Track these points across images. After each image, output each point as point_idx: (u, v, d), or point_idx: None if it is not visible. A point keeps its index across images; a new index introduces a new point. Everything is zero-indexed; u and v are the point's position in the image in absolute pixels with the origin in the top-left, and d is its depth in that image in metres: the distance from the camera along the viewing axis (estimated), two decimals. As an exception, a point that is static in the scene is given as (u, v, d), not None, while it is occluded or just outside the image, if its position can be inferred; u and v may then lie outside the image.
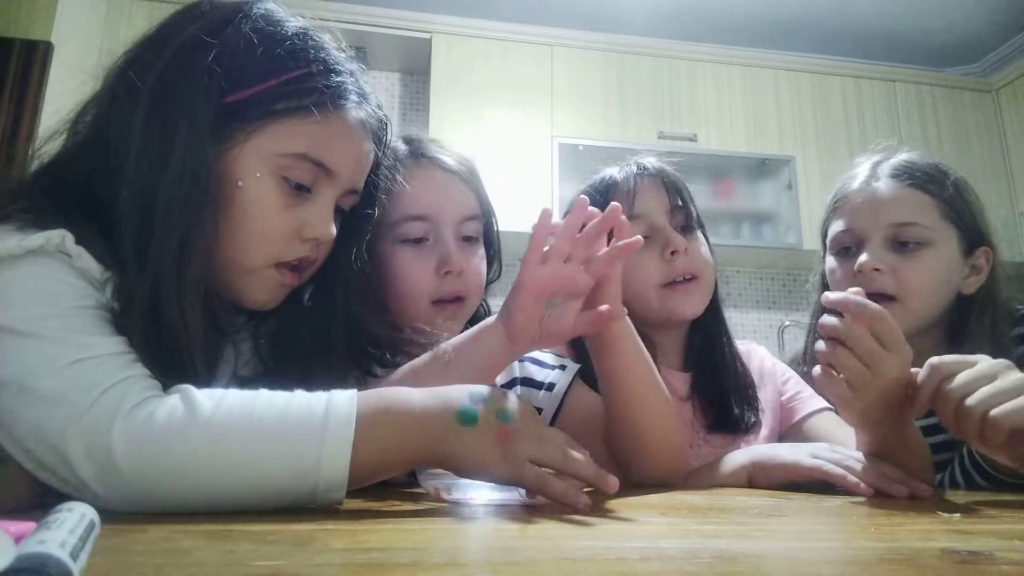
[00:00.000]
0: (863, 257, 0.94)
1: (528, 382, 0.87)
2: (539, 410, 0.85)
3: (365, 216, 0.73)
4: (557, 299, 0.68)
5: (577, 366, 0.87)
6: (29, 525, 0.29)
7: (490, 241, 0.91)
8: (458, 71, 2.86)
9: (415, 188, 0.82)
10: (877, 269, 0.93)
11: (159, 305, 0.55)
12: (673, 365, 0.98)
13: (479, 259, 0.87)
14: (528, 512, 0.50)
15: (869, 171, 1.00)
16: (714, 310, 1.00)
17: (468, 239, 0.86)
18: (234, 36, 0.61)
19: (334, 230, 0.67)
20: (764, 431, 0.98)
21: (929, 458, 0.75)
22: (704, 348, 0.98)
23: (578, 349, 0.93)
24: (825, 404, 0.97)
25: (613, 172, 0.99)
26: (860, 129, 3.12)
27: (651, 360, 0.75)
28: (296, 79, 0.62)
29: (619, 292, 0.71)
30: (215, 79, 0.59)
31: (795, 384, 1.03)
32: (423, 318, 0.80)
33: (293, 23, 0.65)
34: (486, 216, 0.89)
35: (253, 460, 0.47)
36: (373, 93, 0.70)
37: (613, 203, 0.68)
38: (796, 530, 0.47)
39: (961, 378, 0.64)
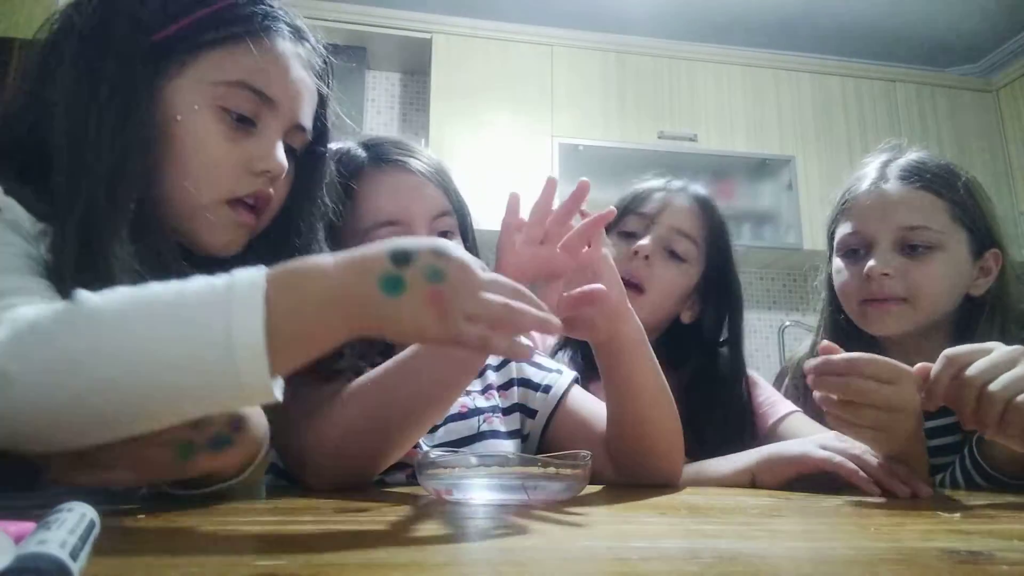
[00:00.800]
0: (872, 261, 0.93)
1: (524, 383, 0.88)
2: (534, 412, 0.85)
3: (319, 155, 0.73)
4: (538, 283, 0.67)
5: (574, 374, 0.88)
6: (29, 525, 0.29)
7: (465, 236, 0.90)
8: (458, 71, 2.86)
9: (381, 194, 0.81)
10: (886, 274, 0.92)
11: (89, 249, 0.54)
12: None
13: None
14: (528, 512, 0.50)
15: (878, 172, 0.99)
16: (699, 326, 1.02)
17: (443, 235, 0.85)
18: None
19: (284, 161, 0.66)
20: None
21: (926, 458, 0.75)
22: (672, 350, 0.97)
23: (584, 352, 0.92)
24: (794, 407, 0.99)
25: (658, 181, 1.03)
26: (860, 129, 3.12)
27: (659, 365, 0.75)
28: (222, 9, 0.63)
29: (615, 275, 0.70)
30: (141, 17, 0.60)
31: (763, 390, 1.04)
32: None
33: None
34: (458, 211, 0.88)
35: (153, 342, 0.42)
36: (310, 30, 0.71)
37: (581, 179, 0.67)
38: (796, 530, 0.47)
39: (981, 364, 0.64)
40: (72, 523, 0.28)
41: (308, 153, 0.72)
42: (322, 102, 0.72)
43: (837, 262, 1.01)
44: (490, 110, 2.83)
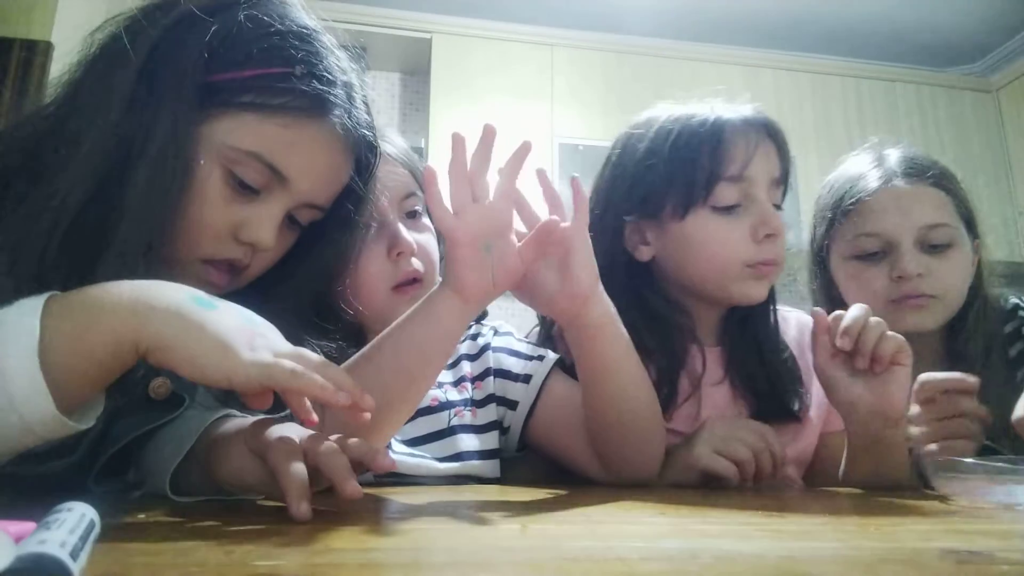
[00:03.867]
0: (905, 262, 0.92)
1: (503, 374, 0.84)
2: (515, 403, 0.82)
3: (333, 242, 0.69)
4: (491, 241, 0.64)
5: (556, 356, 0.84)
6: (29, 525, 0.29)
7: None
8: (458, 71, 2.87)
9: None
10: (920, 274, 0.92)
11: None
12: (707, 341, 0.91)
13: (428, 234, 0.84)
14: (527, 512, 0.50)
15: (880, 171, 0.98)
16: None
17: (413, 214, 0.84)
18: (231, 18, 0.59)
19: (273, 239, 0.62)
20: (812, 411, 0.91)
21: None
22: (743, 322, 0.90)
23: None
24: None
25: (719, 113, 0.86)
26: (860, 129, 3.12)
27: (635, 350, 0.72)
28: (272, 76, 0.59)
29: (590, 251, 0.67)
30: (200, 57, 0.57)
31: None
32: (384, 307, 0.78)
33: (298, 21, 0.62)
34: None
35: None
36: (367, 114, 0.67)
37: (486, 124, 0.64)
38: (796, 530, 0.47)
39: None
40: (72, 523, 0.28)
41: (324, 236, 0.68)
42: (355, 193, 0.68)
43: (852, 267, 0.98)
44: (490, 110, 2.83)
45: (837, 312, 0.76)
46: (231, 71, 0.58)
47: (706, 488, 0.75)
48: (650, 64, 3.04)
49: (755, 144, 0.84)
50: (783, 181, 0.90)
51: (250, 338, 0.45)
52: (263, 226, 0.61)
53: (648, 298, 0.86)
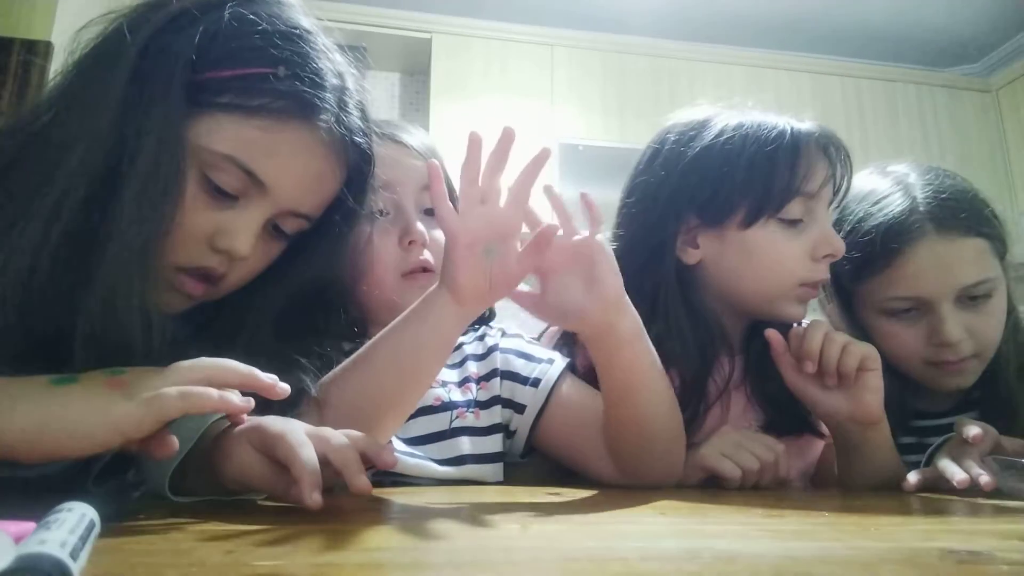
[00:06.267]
0: (947, 330, 0.85)
1: (511, 376, 0.83)
2: (523, 407, 0.81)
3: (323, 251, 0.67)
4: (493, 245, 0.64)
5: (567, 360, 0.83)
6: (29, 525, 0.29)
7: None
8: (458, 71, 2.87)
9: None
10: (961, 339, 0.86)
11: (114, 306, 0.51)
12: (728, 351, 0.90)
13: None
14: (528, 512, 0.50)
15: (914, 219, 0.86)
16: None
17: (430, 211, 0.83)
18: (218, 17, 0.57)
19: (248, 248, 0.59)
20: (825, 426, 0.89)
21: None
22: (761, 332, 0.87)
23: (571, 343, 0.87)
24: None
25: (796, 125, 0.83)
26: (860, 129, 3.12)
27: (659, 361, 0.71)
28: (251, 76, 0.57)
29: (613, 263, 0.66)
30: (188, 57, 0.56)
31: None
32: (393, 292, 0.78)
33: (288, 22, 0.60)
34: (450, 190, 0.86)
35: None
36: (361, 121, 0.65)
37: (506, 127, 0.63)
38: (796, 530, 0.47)
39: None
40: (72, 523, 0.28)
41: (314, 247, 0.66)
42: (346, 203, 0.66)
43: (884, 323, 0.90)
44: (490, 110, 2.83)
45: (794, 330, 0.78)
46: (212, 71, 0.57)
47: (706, 488, 0.75)
48: (650, 64, 3.04)
49: (831, 163, 0.83)
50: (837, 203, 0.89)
51: (123, 387, 0.45)
52: (239, 234, 0.58)
53: (693, 301, 0.84)
